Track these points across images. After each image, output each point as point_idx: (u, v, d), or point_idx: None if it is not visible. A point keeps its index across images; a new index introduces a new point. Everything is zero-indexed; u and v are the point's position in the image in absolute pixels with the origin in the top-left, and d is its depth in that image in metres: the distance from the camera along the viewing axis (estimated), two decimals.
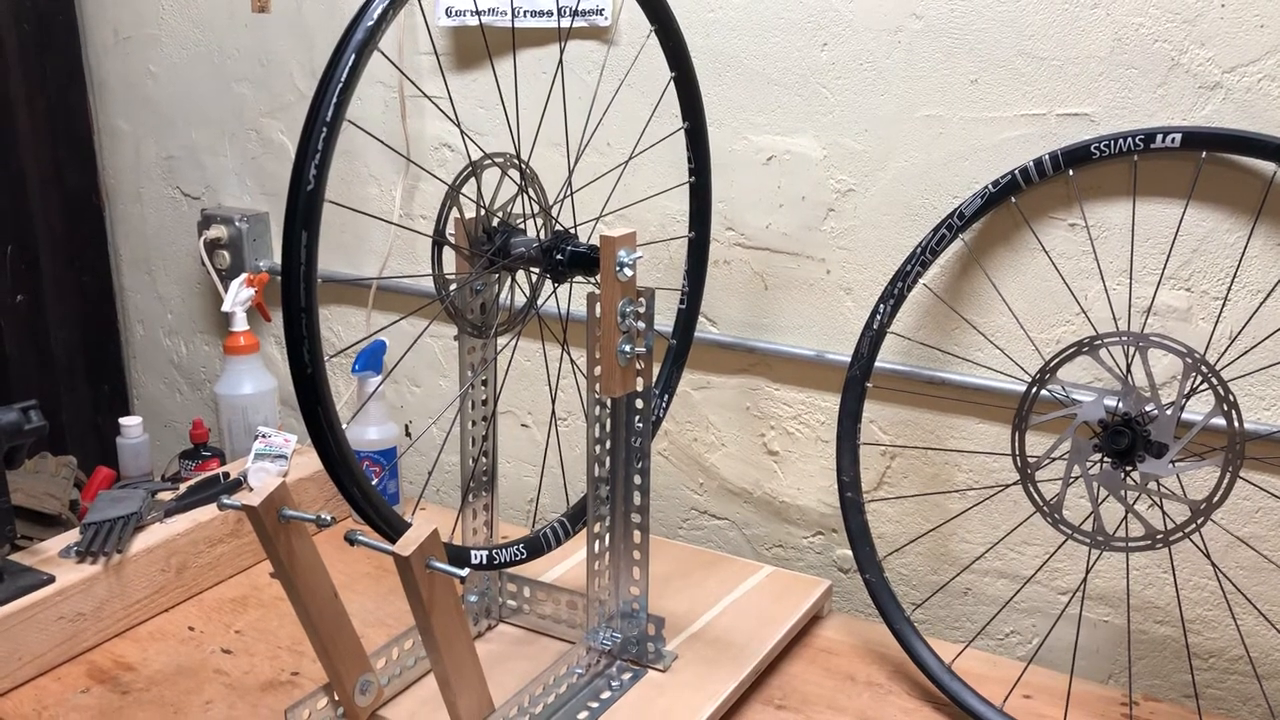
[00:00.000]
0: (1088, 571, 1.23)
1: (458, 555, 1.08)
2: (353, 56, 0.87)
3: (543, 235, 1.12)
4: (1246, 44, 1.11)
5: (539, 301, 1.14)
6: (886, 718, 1.18)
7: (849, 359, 1.26)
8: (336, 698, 1.08)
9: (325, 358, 0.90)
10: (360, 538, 0.96)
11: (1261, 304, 1.15)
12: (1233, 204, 1.15)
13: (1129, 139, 1.14)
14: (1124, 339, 1.08)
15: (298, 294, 0.87)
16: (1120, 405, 1.08)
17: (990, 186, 1.21)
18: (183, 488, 1.48)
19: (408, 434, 1.76)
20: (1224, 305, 1.17)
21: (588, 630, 1.18)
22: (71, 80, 1.93)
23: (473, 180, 1.07)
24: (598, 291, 1.07)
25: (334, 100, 0.86)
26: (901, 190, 1.31)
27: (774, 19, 1.34)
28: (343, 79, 0.86)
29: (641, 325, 1.09)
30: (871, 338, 1.25)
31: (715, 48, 1.38)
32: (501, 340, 1.19)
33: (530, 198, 1.11)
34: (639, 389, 1.12)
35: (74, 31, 1.92)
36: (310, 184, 0.85)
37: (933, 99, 1.27)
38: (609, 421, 1.13)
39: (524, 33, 1.49)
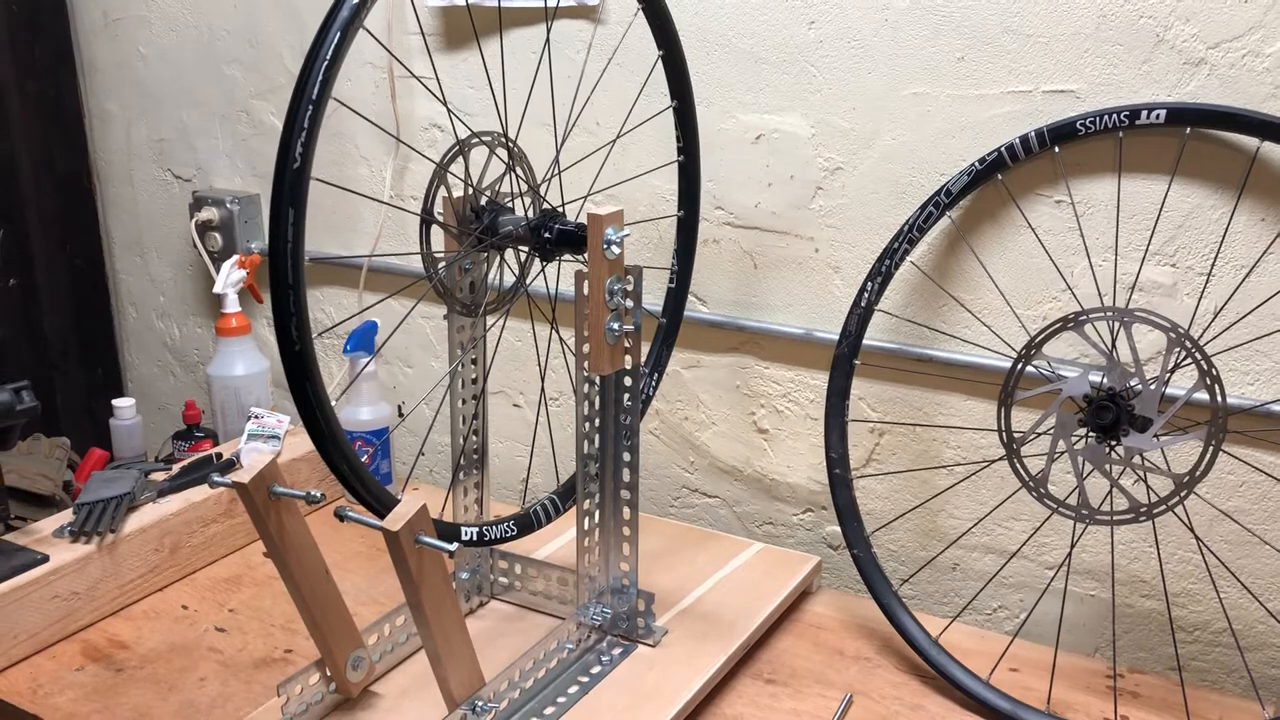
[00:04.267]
0: (1073, 545, 1.25)
1: (447, 531, 1.09)
2: (338, 34, 0.87)
3: (531, 214, 1.12)
4: (1230, 20, 1.11)
5: (527, 280, 1.15)
6: (874, 691, 1.19)
7: (837, 337, 1.27)
8: (328, 673, 1.09)
9: (314, 335, 0.91)
10: (350, 513, 0.97)
11: (1244, 279, 1.16)
12: (1217, 180, 1.16)
13: (1114, 115, 1.14)
14: (1108, 314, 1.09)
15: (285, 271, 0.87)
16: (1105, 380, 1.09)
17: (977, 164, 1.21)
18: (176, 468, 1.49)
19: (400, 414, 1.76)
20: (1208, 281, 1.18)
21: (578, 606, 1.19)
22: (61, 63, 1.93)
23: (460, 159, 1.07)
24: (586, 269, 1.08)
25: (319, 78, 0.86)
26: (889, 168, 1.32)
27: None
28: (328, 56, 0.86)
29: (629, 303, 1.10)
30: (859, 315, 1.26)
31: (703, 26, 1.38)
32: (490, 319, 1.20)
33: (518, 176, 1.11)
34: (628, 367, 1.13)
35: (63, 14, 1.91)
36: (296, 161, 0.86)
37: (920, 77, 1.27)
38: (598, 399, 1.14)
39: (511, 12, 1.49)
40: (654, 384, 1.34)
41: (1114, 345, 1.09)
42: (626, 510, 1.18)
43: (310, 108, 0.86)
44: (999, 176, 1.22)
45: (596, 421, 1.15)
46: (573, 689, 1.13)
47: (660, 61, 1.23)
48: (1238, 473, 1.21)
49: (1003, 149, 1.20)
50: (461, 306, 1.15)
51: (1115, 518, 1.09)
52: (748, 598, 1.30)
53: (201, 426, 1.71)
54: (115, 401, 1.71)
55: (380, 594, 1.36)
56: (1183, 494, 1.07)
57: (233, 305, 1.71)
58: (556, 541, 1.42)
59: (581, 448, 1.14)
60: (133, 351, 2.10)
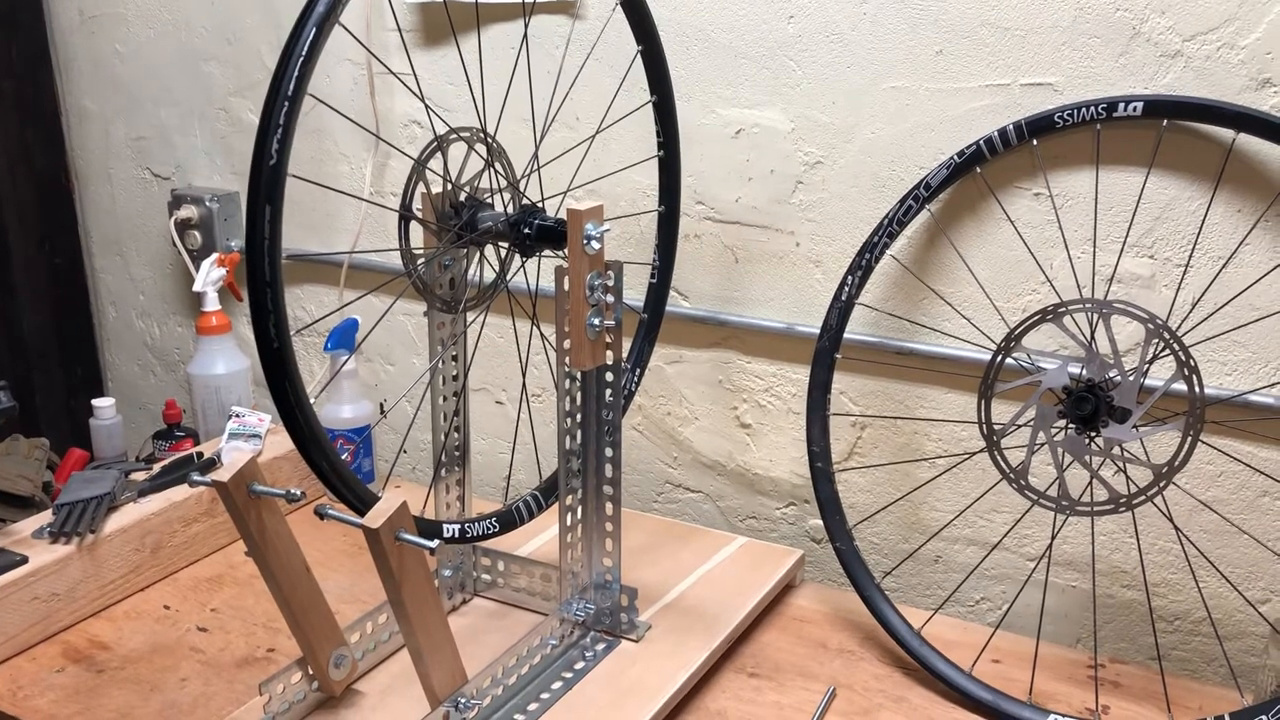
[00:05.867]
0: (1054, 537, 1.25)
1: (429, 529, 1.09)
2: (313, 30, 0.86)
3: (510, 209, 1.12)
4: (1206, 12, 1.11)
5: (508, 276, 1.14)
6: (857, 683, 1.19)
7: (818, 331, 1.27)
8: (311, 672, 1.09)
9: (294, 333, 0.91)
10: (330, 511, 0.97)
11: (1221, 270, 1.17)
12: (1194, 171, 1.16)
13: (1091, 108, 1.15)
14: (1087, 306, 1.09)
15: (262, 269, 0.87)
16: (1084, 372, 1.09)
17: (956, 157, 1.22)
18: (156, 468, 1.48)
19: (383, 412, 1.76)
20: (1185, 272, 1.19)
21: (561, 602, 1.19)
22: (38, 61, 1.91)
23: (439, 155, 1.07)
24: (566, 265, 1.07)
25: (295, 74, 0.86)
26: (869, 162, 1.32)
27: None
28: (304, 53, 0.86)
29: (610, 298, 1.10)
30: (840, 309, 1.26)
31: (682, 21, 1.38)
32: (470, 315, 1.20)
33: (497, 172, 1.11)
34: (609, 362, 1.13)
35: (39, 11, 1.90)
36: (272, 158, 0.85)
37: (899, 70, 1.27)
38: (579, 395, 1.14)
39: (489, 8, 1.49)
40: (636, 379, 1.34)
41: (1093, 337, 1.10)
42: (609, 506, 1.18)
43: (286, 105, 0.86)
44: (978, 169, 1.23)
45: (578, 417, 1.15)
46: (556, 685, 1.13)
47: (639, 56, 1.23)
48: (1216, 463, 1.22)
49: (981, 142, 1.21)
50: (441, 303, 1.14)
51: (1095, 509, 1.10)
52: (731, 592, 1.30)
53: (182, 425, 1.70)
54: (95, 401, 1.70)
55: (363, 592, 1.35)
56: (1162, 484, 1.07)
57: (213, 304, 1.70)
58: (539, 538, 1.41)
59: (563, 444, 1.14)
60: (113, 351, 2.09)
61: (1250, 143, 1.13)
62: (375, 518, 0.92)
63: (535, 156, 1.15)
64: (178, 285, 1.95)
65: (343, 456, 0.97)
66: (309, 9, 0.87)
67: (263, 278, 0.87)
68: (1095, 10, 1.16)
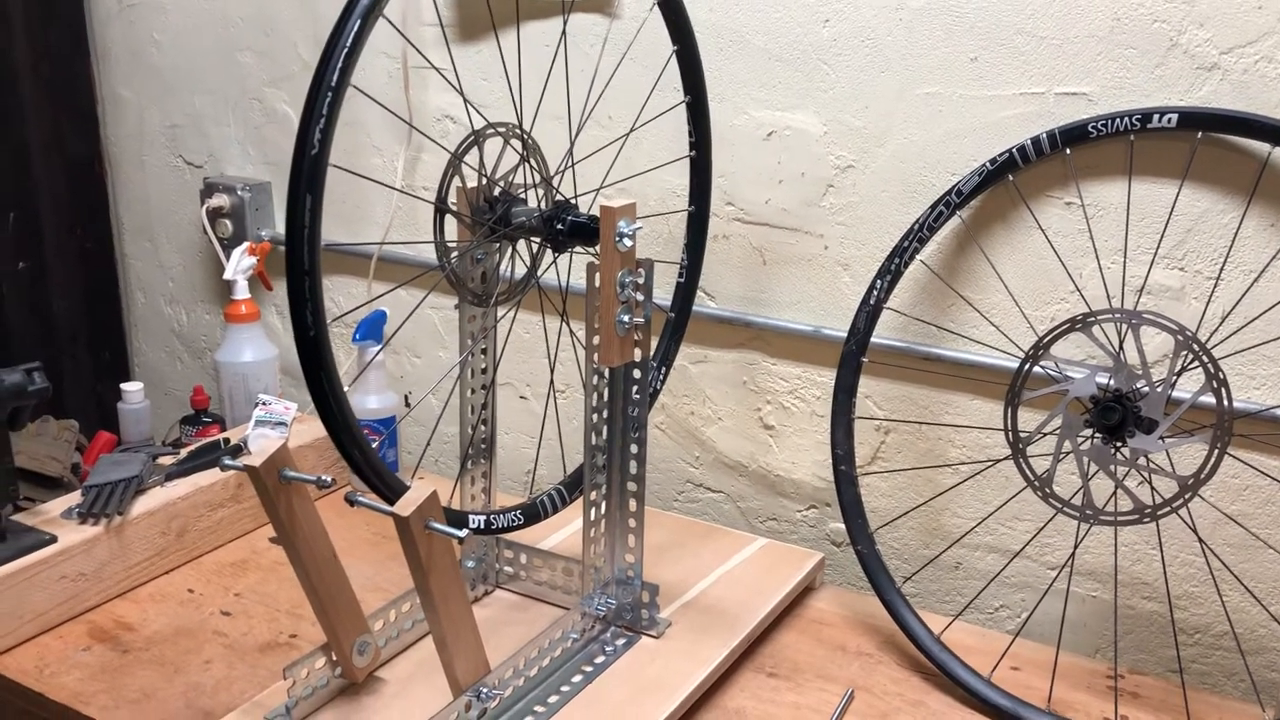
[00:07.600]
0: (1076, 546, 1.25)
1: (456, 518, 1.09)
2: (358, 22, 0.87)
3: (543, 205, 1.13)
4: (1244, 25, 1.11)
5: (539, 271, 1.15)
6: (876, 687, 1.20)
7: (845, 334, 1.27)
8: (334, 658, 1.10)
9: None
10: (360, 498, 0.98)
11: (1253, 284, 1.17)
12: (1227, 184, 1.16)
13: (1126, 119, 1.15)
14: (1117, 316, 1.09)
15: (302, 256, 0.88)
16: (1112, 382, 1.09)
17: (988, 164, 1.22)
18: (184, 452, 1.49)
19: (407, 404, 1.77)
20: (1216, 285, 1.19)
21: (583, 596, 1.20)
22: (75, 48, 1.93)
23: (475, 149, 1.08)
24: (597, 262, 1.08)
25: (339, 65, 0.87)
26: (900, 167, 1.32)
27: None
28: (348, 44, 0.87)
29: (640, 296, 1.10)
30: (868, 313, 1.26)
31: (718, 23, 1.38)
32: (501, 309, 1.21)
33: (532, 168, 1.12)
34: (636, 359, 1.14)
35: (78, 0, 1.92)
36: (315, 148, 0.86)
37: (933, 76, 1.28)
38: (606, 391, 1.15)
39: (528, 5, 1.50)
40: (661, 378, 1.35)
41: (1121, 347, 1.10)
42: (633, 502, 1.19)
43: (329, 95, 0.87)
44: (1010, 177, 1.23)
45: (605, 414, 1.15)
46: (576, 678, 1.13)
47: (674, 57, 1.23)
48: (1242, 476, 1.21)
49: (1014, 150, 1.21)
50: (473, 296, 1.15)
51: (1119, 519, 1.10)
52: (751, 592, 1.30)
53: (209, 411, 1.71)
54: (124, 385, 1.71)
55: (385, 581, 1.36)
56: (1187, 496, 1.07)
57: (242, 292, 1.71)
58: (562, 532, 1.42)
59: (589, 439, 1.15)
60: (141, 337, 2.11)
61: None
62: (406, 506, 0.92)
63: (570, 153, 1.16)
64: (207, 273, 1.96)
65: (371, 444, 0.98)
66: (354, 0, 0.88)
67: (301, 266, 0.88)
68: (1132, 21, 1.16)
